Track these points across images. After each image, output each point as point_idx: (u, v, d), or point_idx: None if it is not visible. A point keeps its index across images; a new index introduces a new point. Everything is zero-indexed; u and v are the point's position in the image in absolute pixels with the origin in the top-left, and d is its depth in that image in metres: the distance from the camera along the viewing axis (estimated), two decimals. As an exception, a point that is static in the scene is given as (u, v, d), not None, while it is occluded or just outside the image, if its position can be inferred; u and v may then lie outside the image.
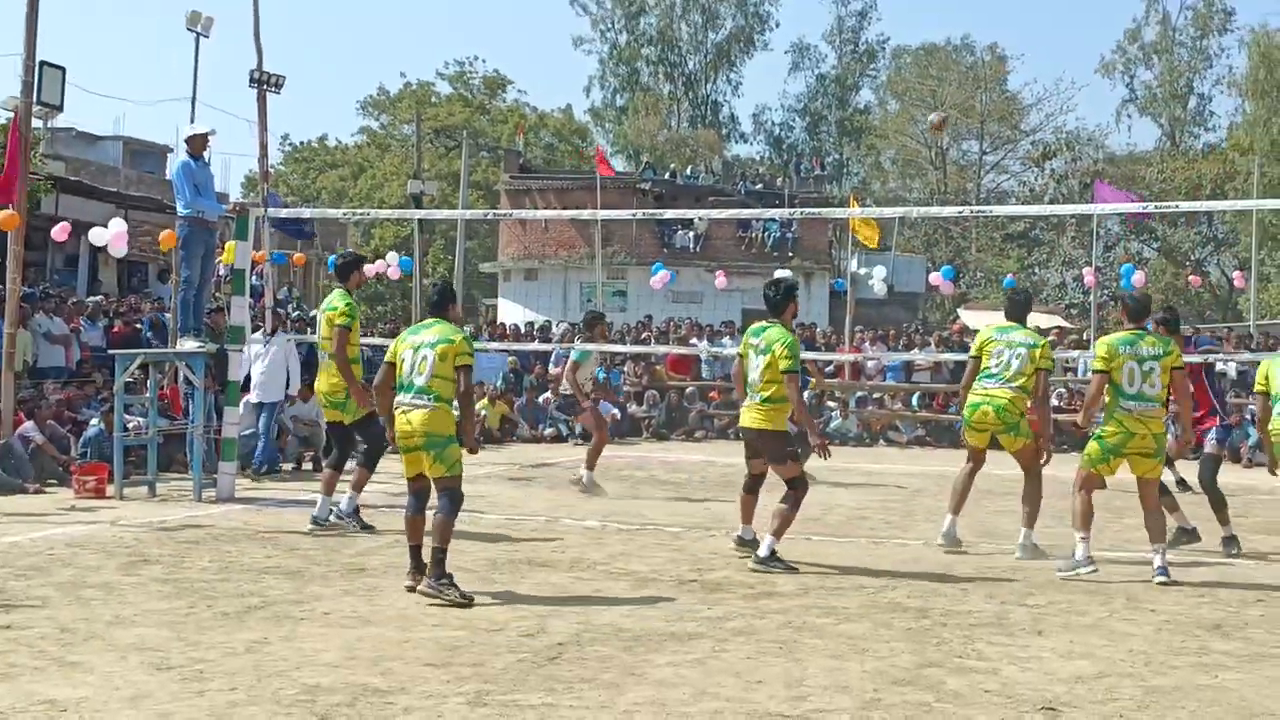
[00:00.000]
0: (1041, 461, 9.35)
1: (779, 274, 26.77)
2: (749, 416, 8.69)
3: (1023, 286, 10.00)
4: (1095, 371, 8.59)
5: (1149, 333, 8.47)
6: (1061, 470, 9.98)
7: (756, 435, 8.68)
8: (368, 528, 10.01)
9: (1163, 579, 8.09)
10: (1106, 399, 8.46)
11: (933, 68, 60.65)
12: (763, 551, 8.36)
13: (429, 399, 7.41)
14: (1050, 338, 13.59)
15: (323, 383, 10.28)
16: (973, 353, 9.83)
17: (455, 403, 7.56)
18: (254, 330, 14.19)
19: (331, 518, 10.00)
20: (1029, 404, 9.40)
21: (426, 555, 7.39)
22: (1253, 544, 10.19)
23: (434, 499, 7.53)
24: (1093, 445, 8.51)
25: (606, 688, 5.34)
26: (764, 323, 8.81)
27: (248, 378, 13.89)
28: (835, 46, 63.67)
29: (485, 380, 23.07)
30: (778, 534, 8.39)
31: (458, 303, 8.55)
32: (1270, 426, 9.27)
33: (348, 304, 10.14)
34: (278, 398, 14.66)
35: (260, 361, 14.48)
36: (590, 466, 12.87)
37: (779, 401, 8.49)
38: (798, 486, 8.53)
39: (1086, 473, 8.48)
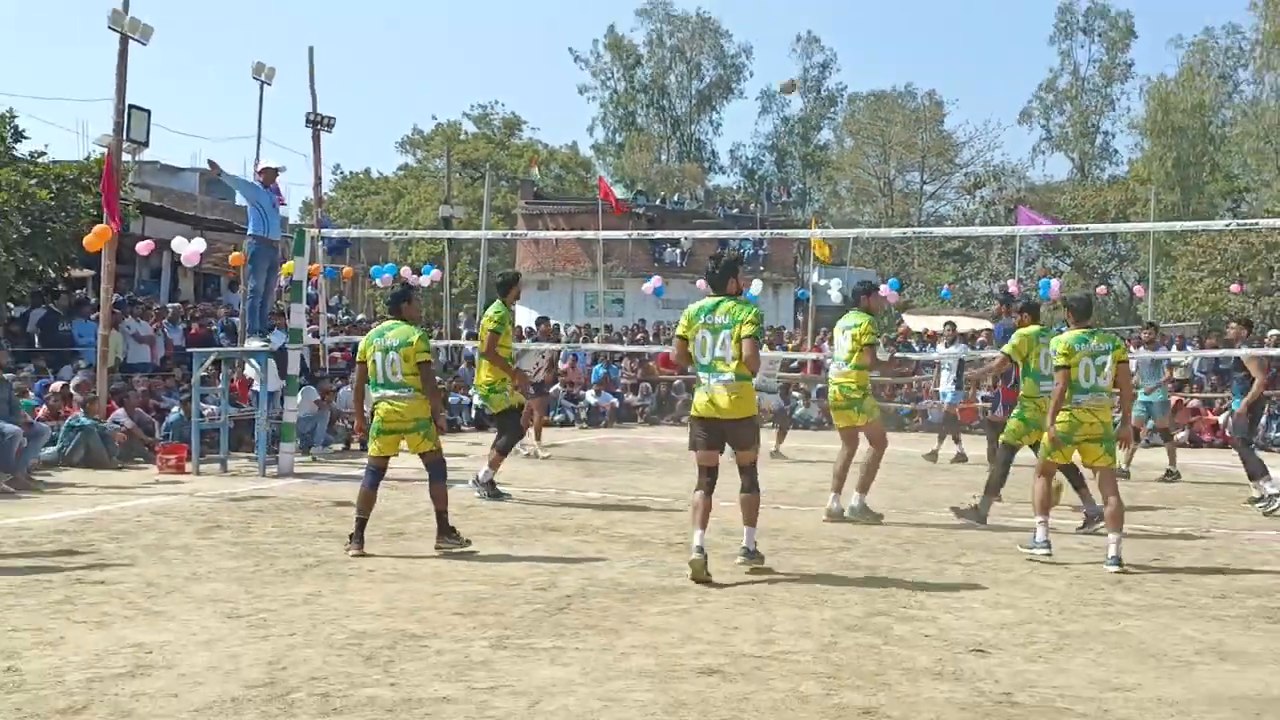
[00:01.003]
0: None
1: (755, 285, 26.93)
2: (725, 403, 6.80)
3: (869, 283, 9.51)
4: (1058, 368, 8.01)
5: (1096, 331, 8.14)
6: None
7: (735, 425, 6.89)
8: (502, 496, 10.31)
9: (1114, 568, 7.20)
10: (1026, 388, 8.47)
11: (881, 111, 60.66)
12: (749, 544, 7.00)
13: (408, 391, 7.52)
14: (1230, 332, 13.38)
15: (481, 376, 10.81)
16: (868, 342, 9.25)
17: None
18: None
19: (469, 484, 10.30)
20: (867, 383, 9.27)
21: (370, 530, 7.58)
22: (1142, 516, 10.23)
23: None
24: (1016, 424, 8.46)
25: (607, 633, 5.36)
26: (711, 300, 7.02)
27: (302, 369, 13.85)
28: (801, 93, 63.62)
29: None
30: (755, 521, 7.05)
31: (413, 302, 8.03)
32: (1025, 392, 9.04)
33: (498, 313, 10.62)
34: (277, 386, 13.63)
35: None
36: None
37: (749, 379, 6.87)
38: (754, 471, 7.05)
39: (1044, 461, 7.99)
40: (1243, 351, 11.77)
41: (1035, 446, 8.54)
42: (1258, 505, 10.83)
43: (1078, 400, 7.77)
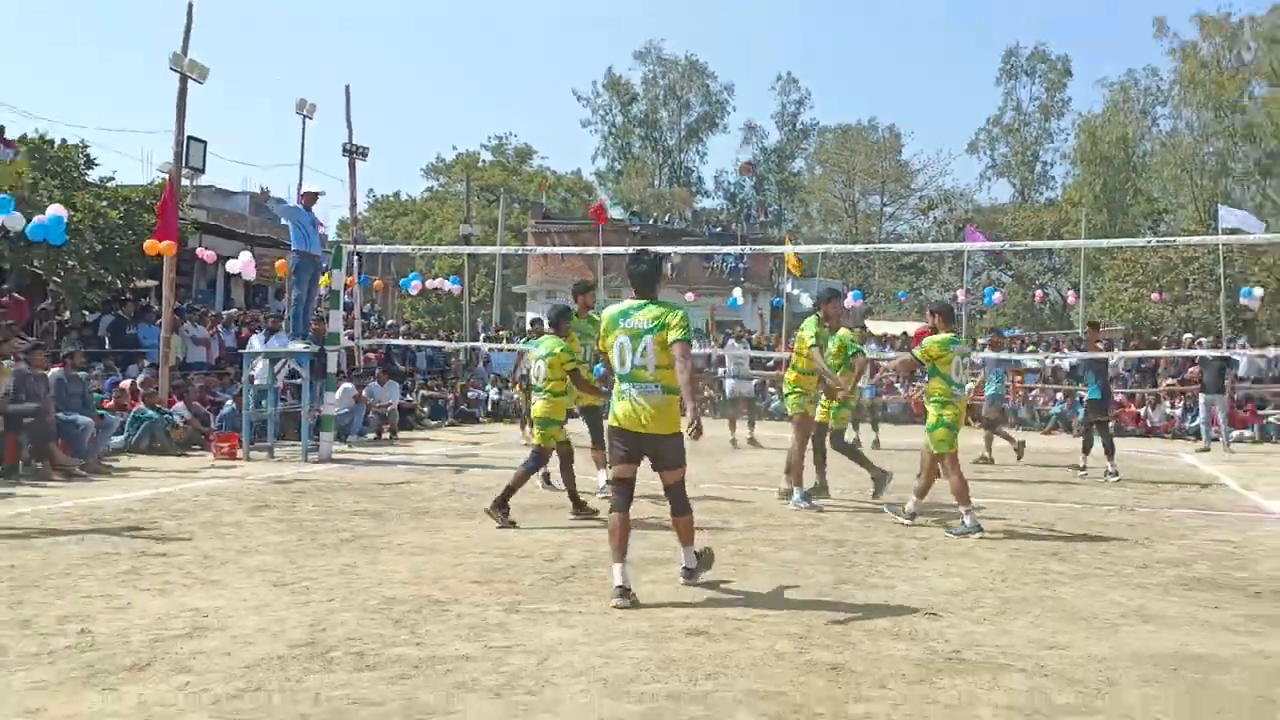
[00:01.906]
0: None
1: (736, 293, 26.92)
2: (646, 416, 5.39)
3: (829, 284, 9.46)
4: (916, 358, 8.24)
5: (958, 336, 8.27)
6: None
7: (656, 442, 5.46)
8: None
9: (977, 534, 7.49)
10: (938, 389, 7.99)
11: (847, 142, 60.71)
12: (689, 563, 5.78)
13: (546, 395, 8.25)
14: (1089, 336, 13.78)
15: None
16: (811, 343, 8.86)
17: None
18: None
19: (554, 482, 9.26)
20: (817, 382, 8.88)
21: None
22: (1076, 496, 10.24)
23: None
24: (942, 431, 7.85)
25: (607, 598, 5.35)
26: (633, 302, 5.59)
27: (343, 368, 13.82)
28: (778, 126, 63.62)
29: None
30: (692, 539, 5.78)
31: (567, 321, 8.64)
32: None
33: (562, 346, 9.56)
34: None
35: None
36: None
37: (674, 391, 5.42)
38: (681, 492, 5.65)
39: (950, 454, 7.83)
40: (1080, 355, 12.89)
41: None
42: (1110, 478, 11.53)
43: (955, 394, 7.90)
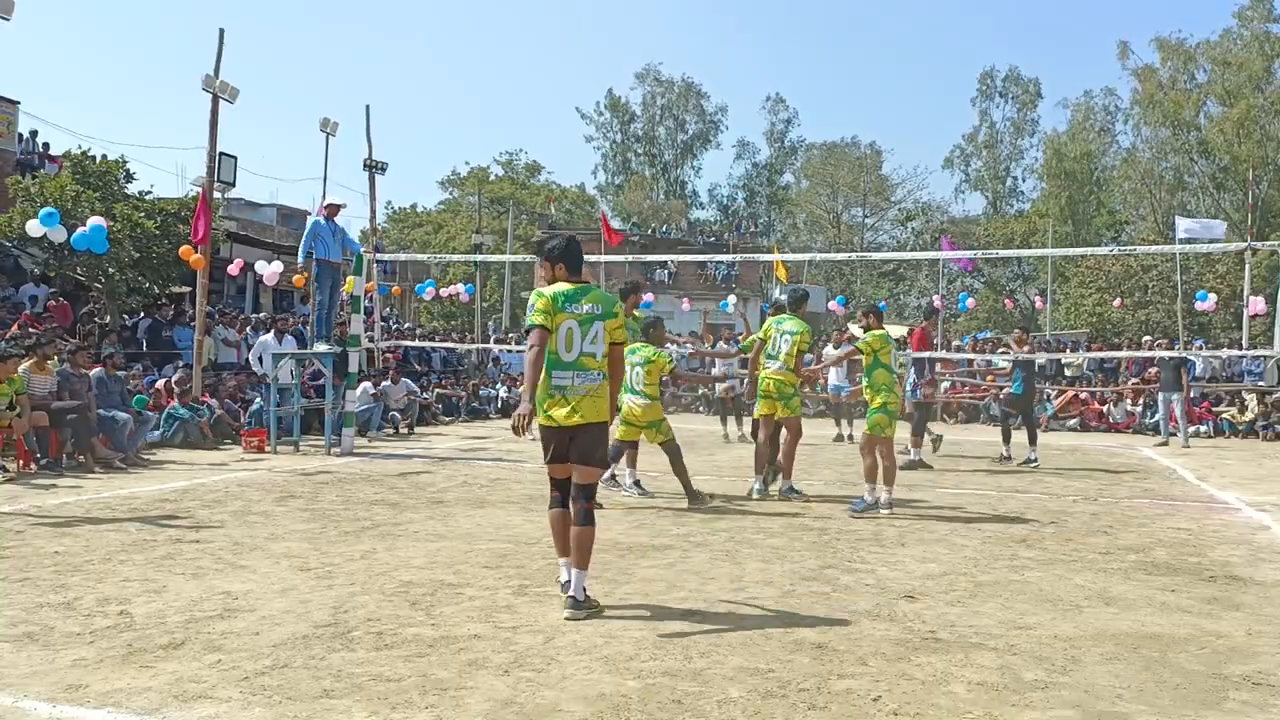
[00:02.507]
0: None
1: (730, 298, 26.90)
2: (583, 408, 4.75)
3: (801, 287, 9.18)
4: (861, 351, 8.26)
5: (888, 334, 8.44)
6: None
7: (583, 432, 4.75)
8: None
9: (887, 511, 7.82)
10: (882, 379, 8.11)
11: (832, 158, 60.71)
12: (578, 593, 4.70)
13: (644, 397, 8.37)
14: (1014, 337, 14.05)
15: (780, 383, 8.89)
16: (760, 336, 8.88)
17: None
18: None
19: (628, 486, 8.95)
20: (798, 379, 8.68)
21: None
22: (1041, 487, 10.24)
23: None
24: (881, 417, 7.93)
25: (608, 582, 5.35)
26: (569, 286, 4.86)
27: (365, 369, 13.81)
28: (768, 143, 63.62)
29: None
30: (587, 563, 4.78)
31: (659, 329, 8.74)
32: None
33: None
34: (289, 381, 13.00)
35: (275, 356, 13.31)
36: None
37: (605, 381, 4.88)
38: (594, 496, 4.90)
39: (885, 438, 7.92)
40: (1005, 356, 13.48)
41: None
42: (1029, 464, 11.78)
43: (892, 382, 8.05)
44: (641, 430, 8.51)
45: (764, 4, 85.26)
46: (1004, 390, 13.44)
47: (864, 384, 8.32)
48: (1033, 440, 12.09)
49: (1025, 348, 13.03)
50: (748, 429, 15.30)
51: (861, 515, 7.77)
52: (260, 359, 14.14)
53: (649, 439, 8.52)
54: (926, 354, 12.40)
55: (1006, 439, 12.49)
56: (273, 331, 14.73)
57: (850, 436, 14.64)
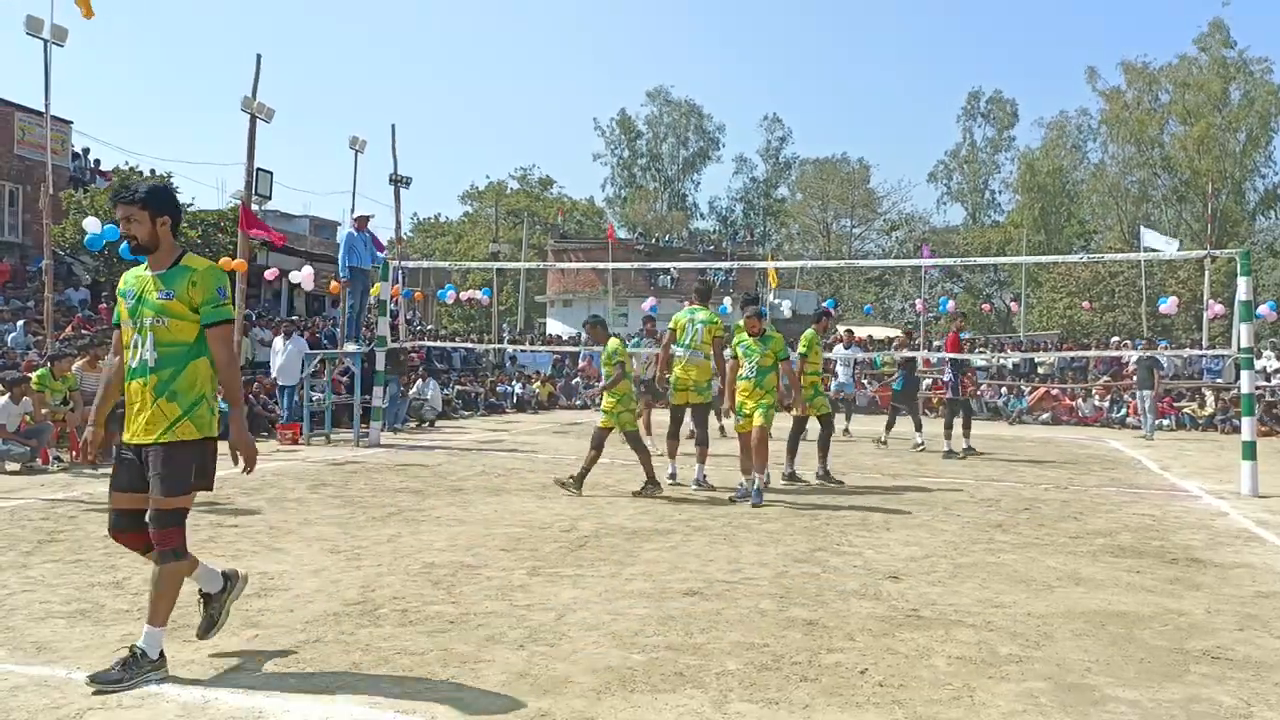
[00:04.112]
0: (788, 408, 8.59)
1: (726, 302, 26.88)
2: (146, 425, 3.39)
3: (707, 280, 8.94)
4: (801, 356, 8.98)
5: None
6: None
7: (154, 453, 3.35)
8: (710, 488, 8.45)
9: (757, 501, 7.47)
10: (814, 367, 9.05)
11: (823, 173, 60.70)
12: (155, 650, 3.37)
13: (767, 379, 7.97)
14: (896, 342, 14.46)
15: (695, 374, 8.45)
16: (672, 326, 8.50)
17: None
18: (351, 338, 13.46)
19: (691, 484, 8.47)
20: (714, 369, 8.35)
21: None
22: (1015, 476, 10.21)
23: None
24: (822, 400, 8.71)
25: (614, 564, 5.36)
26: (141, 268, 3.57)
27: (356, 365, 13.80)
28: (764, 159, 63.55)
29: (539, 369, 23.04)
30: (161, 619, 3.38)
31: (764, 317, 8.02)
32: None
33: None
34: (294, 381, 12.98)
35: (279, 356, 13.12)
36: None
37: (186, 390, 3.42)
38: (181, 553, 3.43)
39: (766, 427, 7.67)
40: (898, 354, 14.11)
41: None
42: (917, 448, 12.39)
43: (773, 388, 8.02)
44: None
45: (761, 30, 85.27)
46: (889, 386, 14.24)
47: (752, 380, 7.80)
48: (918, 427, 12.86)
49: (905, 349, 13.81)
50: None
51: (757, 504, 7.46)
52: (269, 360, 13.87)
53: (746, 424, 7.81)
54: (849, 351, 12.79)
55: (889, 427, 13.42)
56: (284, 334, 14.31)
57: (847, 430, 14.56)
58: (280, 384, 13.29)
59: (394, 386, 14.62)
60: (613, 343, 8.21)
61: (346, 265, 12.85)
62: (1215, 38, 43.96)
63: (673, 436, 8.80)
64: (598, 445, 8.02)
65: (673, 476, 8.66)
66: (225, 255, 14.86)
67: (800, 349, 9.14)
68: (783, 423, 8.67)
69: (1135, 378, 17.09)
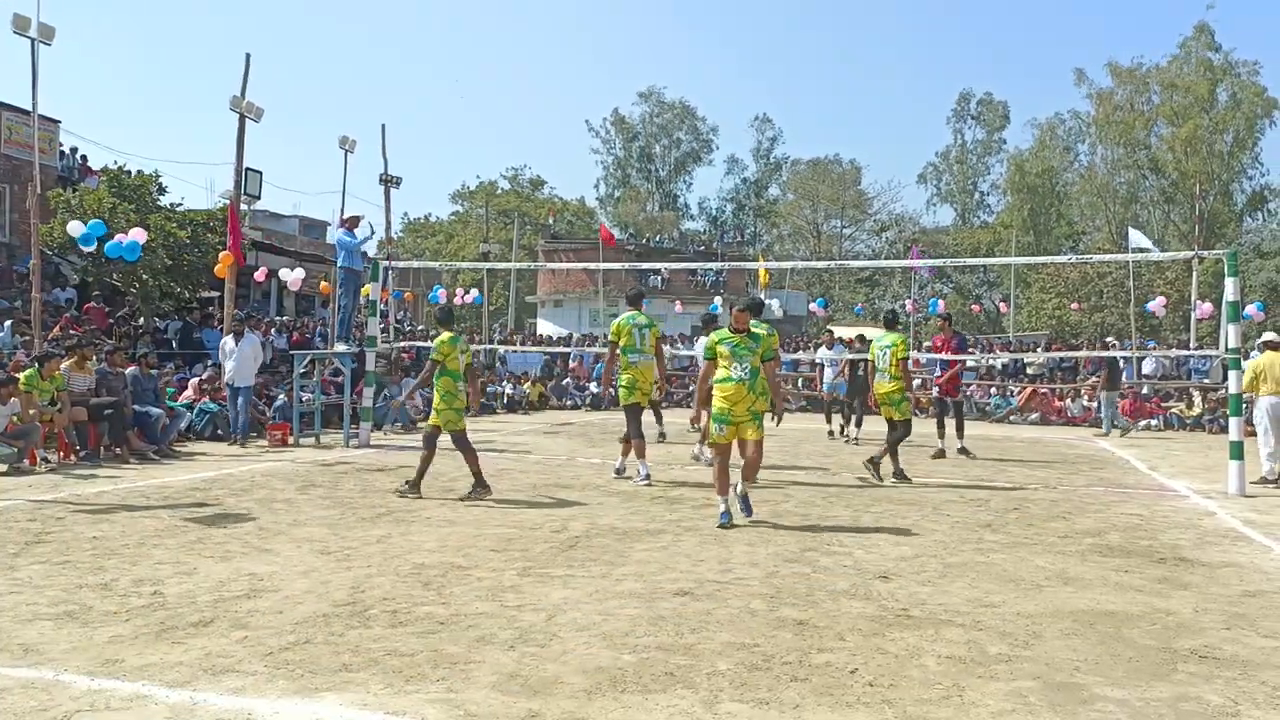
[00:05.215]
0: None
1: (716, 300, 26.92)
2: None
3: (637, 287, 8.84)
4: (901, 360, 9.18)
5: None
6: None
7: None
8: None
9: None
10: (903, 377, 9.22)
11: (814, 174, 60.77)
12: None
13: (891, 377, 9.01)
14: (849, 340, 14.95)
15: (650, 375, 8.86)
16: (613, 334, 8.67)
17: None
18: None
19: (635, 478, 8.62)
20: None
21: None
22: (1005, 478, 10.24)
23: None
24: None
25: (605, 564, 5.35)
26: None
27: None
28: (755, 160, 63.63)
29: (529, 369, 23.00)
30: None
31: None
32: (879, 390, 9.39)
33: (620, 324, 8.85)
34: (248, 383, 12.15)
35: (232, 357, 12.07)
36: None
37: None
38: None
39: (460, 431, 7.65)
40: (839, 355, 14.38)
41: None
42: (854, 440, 13.06)
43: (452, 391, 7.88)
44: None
45: (752, 30, 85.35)
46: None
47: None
48: (858, 424, 13.57)
49: (853, 349, 14.27)
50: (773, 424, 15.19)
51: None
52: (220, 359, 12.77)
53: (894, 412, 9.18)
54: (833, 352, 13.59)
55: (830, 419, 14.64)
56: (234, 334, 12.58)
57: (837, 431, 14.53)
58: (235, 385, 12.13)
59: (393, 390, 14.61)
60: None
61: (339, 265, 12.83)
62: (1200, 40, 44.24)
63: (637, 436, 8.75)
64: (429, 445, 7.84)
65: (647, 478, 8.60)
66: (213, 255, 14.81)
67: (899, 354, 9.19)
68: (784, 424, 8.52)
69: (1095, 377, 17.52)
